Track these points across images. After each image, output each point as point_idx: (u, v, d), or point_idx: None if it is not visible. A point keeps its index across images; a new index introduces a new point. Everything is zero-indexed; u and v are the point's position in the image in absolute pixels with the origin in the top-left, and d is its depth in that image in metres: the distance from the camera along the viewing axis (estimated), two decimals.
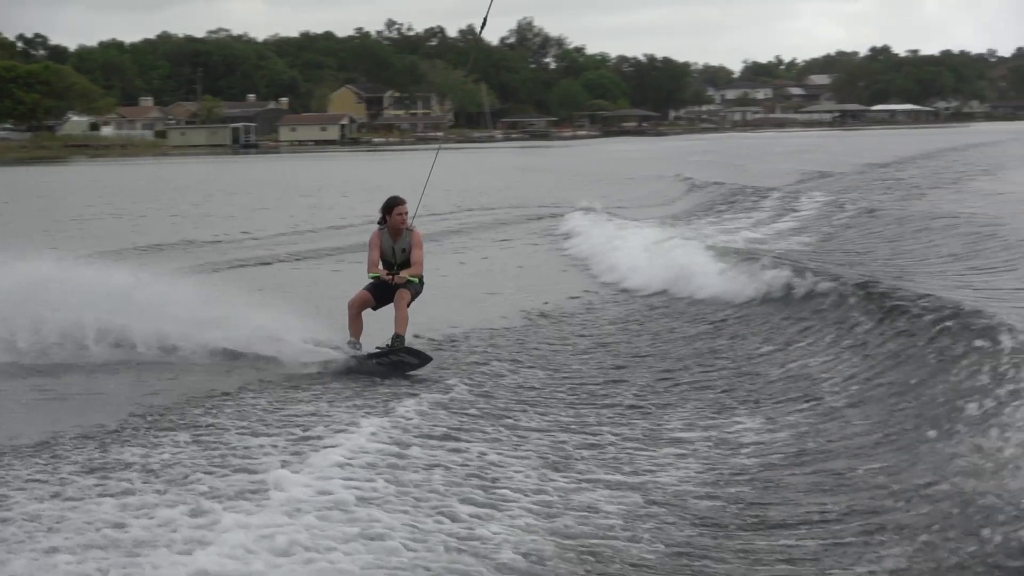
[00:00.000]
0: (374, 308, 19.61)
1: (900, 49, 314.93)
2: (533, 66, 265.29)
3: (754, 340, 21.10)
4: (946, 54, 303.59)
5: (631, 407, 16.71)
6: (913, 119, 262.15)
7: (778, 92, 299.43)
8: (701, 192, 56.34)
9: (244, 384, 17.94)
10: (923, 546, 10.49)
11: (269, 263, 34.17)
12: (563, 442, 14.72)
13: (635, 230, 36.76)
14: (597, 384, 18.23)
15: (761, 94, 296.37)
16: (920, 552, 10.43)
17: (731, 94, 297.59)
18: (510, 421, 15.74)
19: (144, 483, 12.55)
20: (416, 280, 19.37)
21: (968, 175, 60.71)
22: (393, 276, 19.26)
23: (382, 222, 19.53)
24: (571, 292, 27.87)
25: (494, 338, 21.85)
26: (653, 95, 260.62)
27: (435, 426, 15.23)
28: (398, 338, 19.12)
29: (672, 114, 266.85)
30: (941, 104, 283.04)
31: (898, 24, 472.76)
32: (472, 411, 16.22)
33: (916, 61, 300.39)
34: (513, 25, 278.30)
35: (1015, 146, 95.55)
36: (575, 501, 12.31)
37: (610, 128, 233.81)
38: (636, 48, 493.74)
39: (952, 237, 31.83)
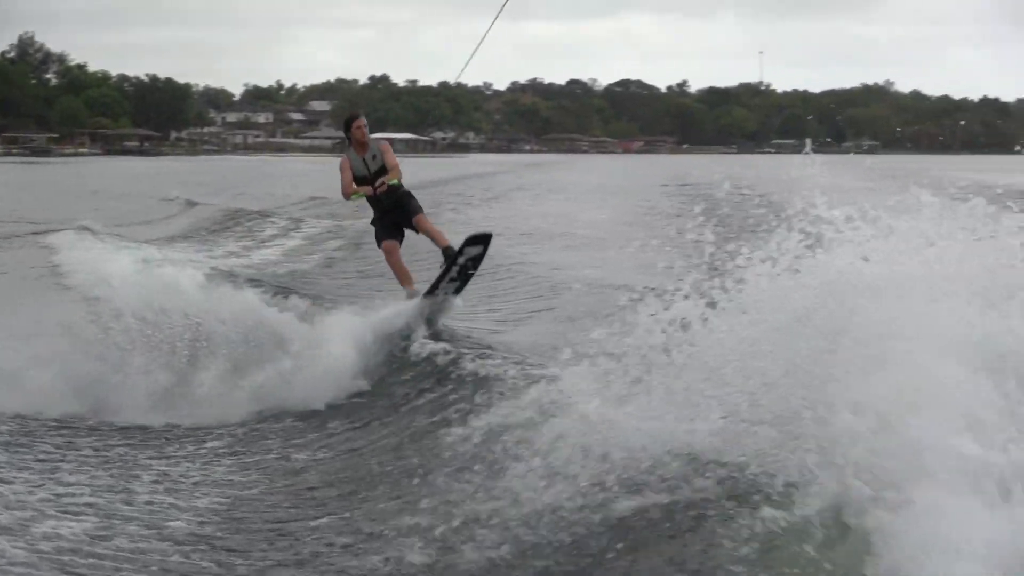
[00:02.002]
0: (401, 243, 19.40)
1: (399, 79, 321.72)
2: (34, 81, 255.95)
3: None
4: (443, 85, 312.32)
5: None
6: (411, 148, 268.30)
7: (279, 117, 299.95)
8: (199, 213, 55.20)
9: None
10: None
11: None
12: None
13: (129, 251, 35.38)
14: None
15: (262, 118, 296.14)
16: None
17: (232, 117, 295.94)
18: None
19: None
20: (397, 182, 19.06)
21: (470, 203, 61.96)
22: (375, 187, 19.01)
23: (349, 142, 19.49)
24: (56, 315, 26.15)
25: None
26: (155, 115, 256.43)
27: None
28: (449, 249, 18.71)
29: (174, 135, 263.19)
30: (438, 134, 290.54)
31: (397, 54, 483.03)
32: None
33: (415, 91, 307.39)
34: (14, 39, 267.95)
35: (510, 177, 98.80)
36: None
37: (112, 147, 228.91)
38: (138, 67, 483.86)
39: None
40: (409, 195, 19.50)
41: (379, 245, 19.63)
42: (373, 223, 19.74)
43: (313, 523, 12.19)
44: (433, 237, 19.16)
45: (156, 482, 13.75)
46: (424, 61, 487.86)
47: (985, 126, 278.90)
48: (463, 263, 18.72)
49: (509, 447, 12.16)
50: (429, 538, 11.03)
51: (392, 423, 16.26)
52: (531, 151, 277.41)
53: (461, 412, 14.93)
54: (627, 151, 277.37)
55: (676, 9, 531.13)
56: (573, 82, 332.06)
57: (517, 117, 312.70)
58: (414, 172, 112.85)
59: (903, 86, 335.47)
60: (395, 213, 19.31)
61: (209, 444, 15.91)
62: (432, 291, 18.98)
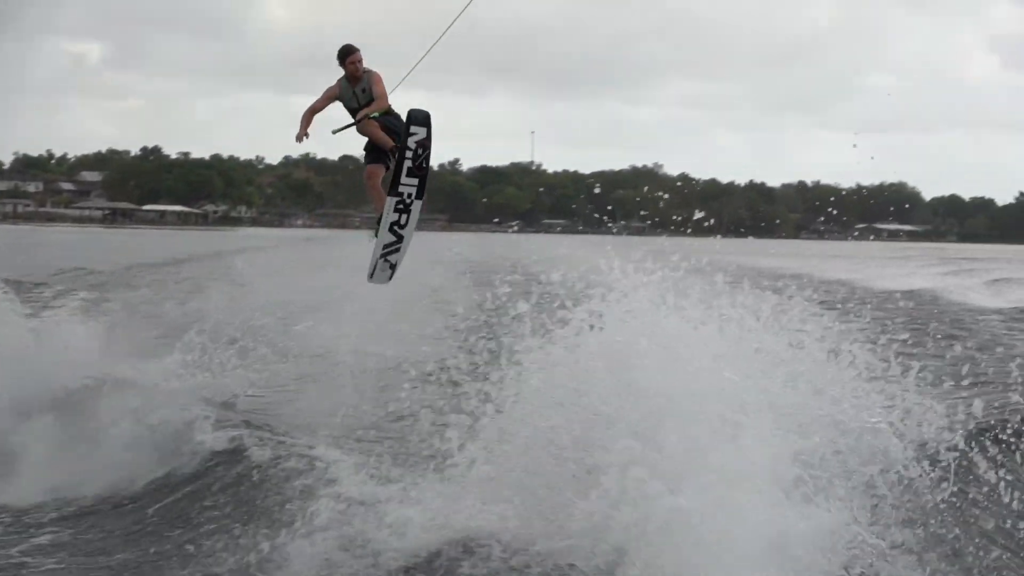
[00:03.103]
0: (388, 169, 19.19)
1: (172, 150, 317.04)
2: None
3: None
4: (216, 158, 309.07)
5: None
6: (183, 220, 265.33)
7: (49, 186, 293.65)
8: None
9: None
10: None
11: None
12: None
13: None
14: None
15: (33, 187, 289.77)
16: None
17: (2, 186, 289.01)
18: None
19: None
20: (378, 115, 18.82)
21: (237, 278, 61.61)
22: (357, 120, 18.94)
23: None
24: None
25: None
26: None
27: None
28: (395, 149, 18.78)
29: None
30: (210, 207, 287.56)
31: (170, 125, 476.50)
32: None
33: (187, 164, 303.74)
34: None
35: (284, 251, 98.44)
36: None
37: None
38: None
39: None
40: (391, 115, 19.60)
41: (366, 166, 19.81)
42: (365, 148, 19.87)
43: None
44: (378, 141, 19.31)
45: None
46: (197, 133, 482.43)
47: (751, 210, 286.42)
48: (414, 148, 18.80)
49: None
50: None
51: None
52: (303, 226, 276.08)
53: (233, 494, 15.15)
54: None
55: (447, 87, 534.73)
56: (346, 157, 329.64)
57: (290, 191, 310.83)
58: (186, 243, 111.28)
59: (671, 168, 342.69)
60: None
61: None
62: (395, 188, 19.08)
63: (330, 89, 19.44)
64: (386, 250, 19.70)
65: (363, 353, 26.06)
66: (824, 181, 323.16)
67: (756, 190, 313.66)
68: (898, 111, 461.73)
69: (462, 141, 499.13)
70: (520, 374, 11.98)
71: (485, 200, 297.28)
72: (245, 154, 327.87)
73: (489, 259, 74.20)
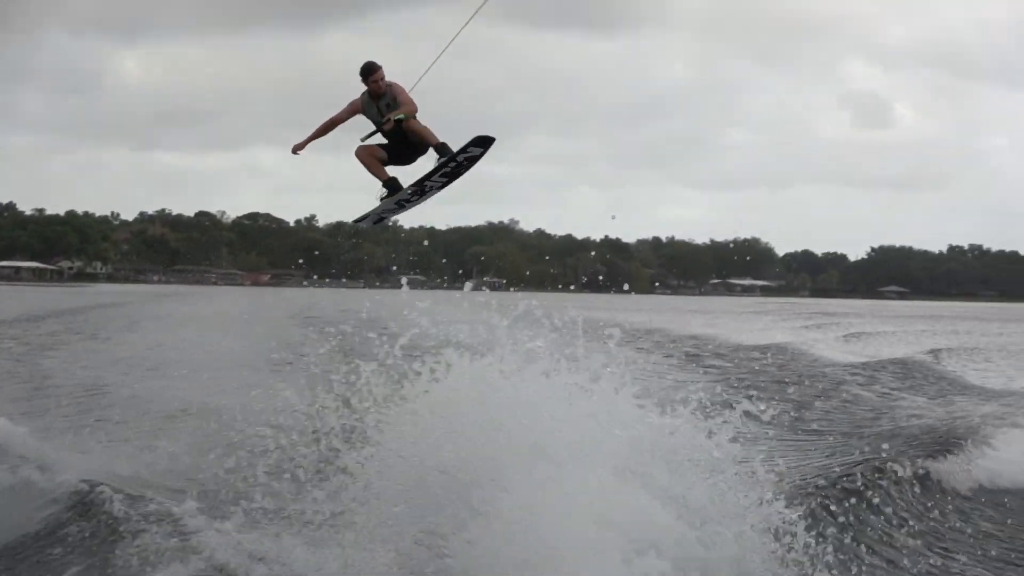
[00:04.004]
0: (385, 163, 18.80)
1: (26, 207, 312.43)
2: None
3: None
4: (71, 214, 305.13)
5: None
6: (38, 276, 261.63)
7: None
8: None
9: None
10: None
11: None
12: None
13: None
14: None
15: None
16: None
17: None
18: None
19: None
20: (404, 117, 18.26)
21: (95, 334, 61.10)
22: (383, 123, 18.43)
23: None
24: None
25: None
26: None
27: None
28: (444, 147, 18.25)
29: None
30: (65, 263, 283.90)
31: (24, 182, 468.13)
32: None
33: (42, 220, 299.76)
34: None
35: (143, 307, 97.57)
36: None
37: None
38: None
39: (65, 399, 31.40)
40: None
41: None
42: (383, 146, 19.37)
43: None
44: (423, 135, 18.66)
45: None
46: (51, 189, 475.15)
47: (606, 265, 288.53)
48: (461, 160, 18.45)
49: None
50: None
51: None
52: (159, 282, 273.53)
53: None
54: (256, 284, 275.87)
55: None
56: (202, 214, 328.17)
57: (145, 247, 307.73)
58: (40, 301, 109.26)
59: (528, 225, 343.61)
60: (401, 149, 18.91)
61: None
62: (420, 183, 18.72)
63: (353, 103, 18.98)
64: (384, 213, 19.66)
65: (220, 408, 26.03)
66: (679, 236, 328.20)
67: (612, 245, 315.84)
68: (752, 167, 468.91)
69: (318, 196, 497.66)
70: (380, 426, 12.22)
71: (343, 255, 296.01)
72: (100, 210, 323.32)
73: (343, 314, 74.21)
